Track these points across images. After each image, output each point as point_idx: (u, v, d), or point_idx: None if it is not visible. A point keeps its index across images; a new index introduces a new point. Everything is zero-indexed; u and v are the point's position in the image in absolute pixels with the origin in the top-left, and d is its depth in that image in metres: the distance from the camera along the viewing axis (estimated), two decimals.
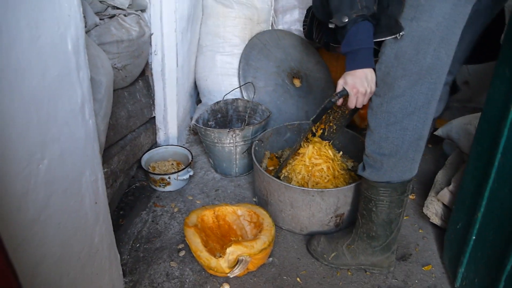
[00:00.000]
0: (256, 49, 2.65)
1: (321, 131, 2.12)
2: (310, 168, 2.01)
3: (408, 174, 1.56)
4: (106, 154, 1.89)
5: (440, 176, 1.99)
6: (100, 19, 1.85)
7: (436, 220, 1.93)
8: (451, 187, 1.79)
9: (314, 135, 2.13)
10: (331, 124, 2.08)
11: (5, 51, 0.82)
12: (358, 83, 1.46)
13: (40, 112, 0.96)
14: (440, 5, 1.28)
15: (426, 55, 1.34)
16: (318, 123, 2.06)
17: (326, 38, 1.71)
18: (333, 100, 1.61)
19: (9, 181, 0.88)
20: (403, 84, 1.37)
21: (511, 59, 1.26)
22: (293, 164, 2.05)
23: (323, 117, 1.99)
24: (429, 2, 1.29)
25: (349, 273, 1.76)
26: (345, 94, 1.55)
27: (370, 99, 1.52)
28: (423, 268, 1.79)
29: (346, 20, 1.40)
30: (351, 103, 1.54)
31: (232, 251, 1.62)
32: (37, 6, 0.91)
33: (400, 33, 1.33)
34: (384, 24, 1.38)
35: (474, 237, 1.50)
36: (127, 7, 1.97)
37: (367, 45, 1.41)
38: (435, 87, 1.38)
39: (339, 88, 1.55)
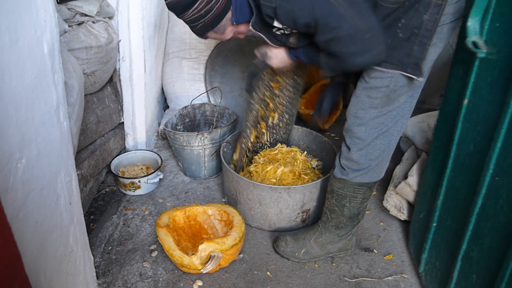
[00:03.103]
0: (221, 55, 2.73)
1: (274, 119, 2.24)
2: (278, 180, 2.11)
3: (383, 173, 1.70)
4: (77, 158, 1.91)
5: (398, 171, 2.12)
6: (69, 26, 1.88)
7: (395, 213, 2.06)
8: (408, 180, 1.93)
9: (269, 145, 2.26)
10: (280, 111, 2.19)
11: None
12: (282, 63, 1.71)
13: (19, 112, 1.00)
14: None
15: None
16: (269, 112, 2.19)
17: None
18: (255, 62, 1.79)
19: None
20: (403, 98, 1.48)
21: (464, 61, 1.40)
22: (262, 174, 2.13)
23: (271, 104, 2.13)
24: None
25: (316, 265, 1.86)
26: (264, 57, 1.70)
27: (355, 112, 1.58)
28: (384, 258, 1.91)
29: None
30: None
31: (204, 248, 1.67)
32: (16, 11, 0.96)
33: (418, 78, 1.39)
34: (397, 56, 1.38)
35: (435, 224, 1.63)
36: (95, 14, 2.00)
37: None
38: (417, 95, 1.52)
39: (263, 50, 1.71)
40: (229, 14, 1.45)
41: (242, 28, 1.53)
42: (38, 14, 1.05)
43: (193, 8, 1.36)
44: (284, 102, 2.16)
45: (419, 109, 3.62)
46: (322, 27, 1.31)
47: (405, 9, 1.32)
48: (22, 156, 1.03)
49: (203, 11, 1.38)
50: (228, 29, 1.51)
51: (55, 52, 1.16)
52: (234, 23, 1.47)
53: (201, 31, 1.48)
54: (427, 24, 1.30)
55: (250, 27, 1.51)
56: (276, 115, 2.21)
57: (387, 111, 1.50)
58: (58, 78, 1.20)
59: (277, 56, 1.66)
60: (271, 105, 2.13)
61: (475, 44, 1.24)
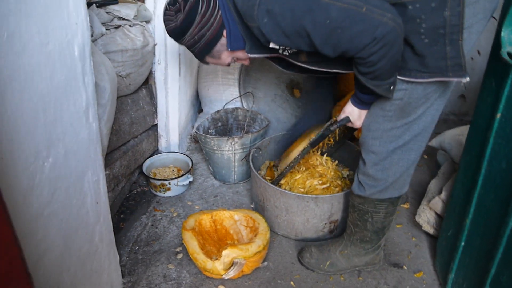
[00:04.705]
0: (257, 60, 2.73)
1: (318, 149, 2.22)
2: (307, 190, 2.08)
3: (405, 188, 1.62)
4: (109, 158, 1.96)
5: (432, 185, 2.04)
6: (107, 29, 1.94)
7: (428, 228, 1.97)
8: (442, 195, 1.84)
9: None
10: (329, 142, 2.17)
11: (17, 55, 0.89)
12: (362, 117, 1.56)
13: (47, 113, 1.03)
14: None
15: (446, 83, 1.36)
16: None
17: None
18: (331, 128, 1.72)
19: (15, 176, 0.94)
20: (421, 110, 1.40)
21: (497, 73, 1.32)
22: (290, 183, 2.11)
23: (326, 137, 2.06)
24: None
25: (342, 278, 1.81)
26: (344, 123, 1.62)
27: (368, 125, 1.53)
28: (414, 275, 1.83)
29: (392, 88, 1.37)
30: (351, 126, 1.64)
31: (228, 254, 1.67)
32: (47, 14, 0.99)
33: (464, 80, 1.27)
34: (430, 64, 1.28)
35: (463, 244, 1.54)
36: (133, 18, 2.05)
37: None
38: (440, 107, 1.43)
39: (341, 116, 1.61)
40: (223, 41, 1.49)
41: (240, 54, 1.54)
42: (70, 18, 1.08)
43: (188, 34, 1.46)
44: (334, 135, 2.15)
45: (461, 122, 3.49)
46: (311, 27, 1.22)
47: (422, 10, 1.23)
48: (49, 155, 1.06)
49: (196, 37, 1.47)
50: (224, 55, 1.54)
51: (86, 54, 1.19)
52: (229, 49, 1.50)
53: (199, 56, 1.56)
54: (451, 20, 1.20)
55: (247, 54, 1.50)
56: (325, 145, 2.21)
57: (402, 124, 1.42)
58: (89, 80, 1.23)
59: (360, 117, 1.56)
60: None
61: (510, 55, 1.17)
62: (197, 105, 3.08)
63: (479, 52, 3.21)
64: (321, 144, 2.18)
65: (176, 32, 1.48)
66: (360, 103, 1.52)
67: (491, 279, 1.32)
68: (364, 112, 1.54)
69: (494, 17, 1.31)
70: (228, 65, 1.62)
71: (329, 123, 1.75)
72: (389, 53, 1.21)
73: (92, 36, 1.81)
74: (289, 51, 1.45)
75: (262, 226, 1.85)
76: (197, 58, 1.59)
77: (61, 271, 1.21)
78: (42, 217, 1.07)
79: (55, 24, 1.02)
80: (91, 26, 1.81)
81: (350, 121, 1.59)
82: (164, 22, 1.49)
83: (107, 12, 1.95)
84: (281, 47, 1.41)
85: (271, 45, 1.38)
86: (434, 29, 1.23)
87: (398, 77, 1.34)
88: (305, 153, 1.94)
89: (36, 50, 0.96)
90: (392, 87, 1.34)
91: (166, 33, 1.54)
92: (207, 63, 1.62)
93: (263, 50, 1.48)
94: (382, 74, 1.29)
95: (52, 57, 1.02)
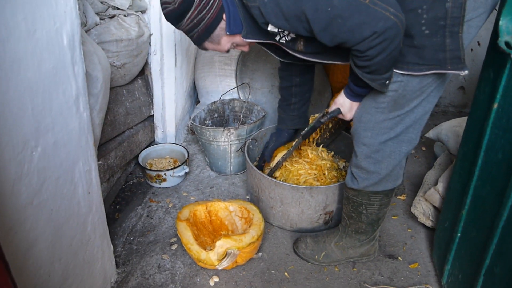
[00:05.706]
0: (254, 51, 2.71)
1: (313, 140, 2.22)
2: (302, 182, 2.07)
3: (399, 180, 1.61)
4: (103, 149, 1.95)
5: (428, 177, 2.03)
6: (101, 19, 1.92)
7: (424, 220, 1.96)
8: (437, 186, 1.84)
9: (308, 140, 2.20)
10: (324, 134, 2.17)
11: (2, 42, 0.88)
12: (353, 109, 1.55)
13: (35, 102, 1.02)
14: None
15: (442, 76, 1.35)
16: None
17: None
18: (322, 120, 1.72)
19: (3, 166, 0.94)
20: (414, 102, 1.39)
21: (495, 63, 1.30)
22: (285, 174, 2.11)
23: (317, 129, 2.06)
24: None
25: (336, 269, 1.81)
26: (335, 115, 1.61)
27: (360, 116, 1.52)
28: (409, 266, 1.83)
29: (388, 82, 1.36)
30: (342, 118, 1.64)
31: (222, 244, 1.66)
32: (34, 2, 0.97)
33: (462, 73, 1.26)
34: (429, 56, 1.27)
35: (459, 235, 1.54)
36: (127, 8, 2.04)
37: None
38: (434, 100, 1.42)
39: (332, 108, 1.60)
40: (222, 24, 1.44)
41: (239, 39, 1.50)
42: (57, 6, 1.07)
43: (187, 17, 1.40)
44: (330, 127, 2.17)
45: (460, 114, 3.47)
46: (312, 13, 1.20)
47: (423, 0, 1.21)
48: (37, 144, 1.06)
49: (195, 20, 1.41)
50: (223, 39, 1.50)
51: (75, 43, 1.18)
52: (228, 33, 1.46)
53: (197, 41, 1.50)
54: (452, 12, 1.19)
55: (243, 39, 1.46)
56: (319, 135, 2.22)
57: (394, 116, 1.41)
58: (79, 69, 1.22)
59: (351, 109, 1.55)
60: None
61: (508, 44, 1.15)
62: (195, 96, 3.07)
63: (479, 43, 3.19)
64: (316, 135, 2.18)
65: (175, 16, 1.42)
66: (353, 95, 1.50)
67: (485, 270, 1.31)
68: (356, 105, 1.53)
69: (495, 9, 1.30)
70: (227, 51, 1.57)
71: (321, 114, 1.75)
72: (387, 48, 1.19)
73: (86, 25, 1.80)
74: (286, 38, 1.42)
75: (257, 217, 1.84)
76: (195, 43, 1.53)
77: (52, 261, 1.21)
78: (31, 206, 1.07)
79: (43, 12, 1.01)
80: (85, 16, 1.80)
81: (341, 112, 1.58)
82: (161, 5, 1.43)
83: (101, 2, 1.93)
84: (279, 32, 1.38)
85: (269, 28, 1.35)
86: (435, 20, 1.22)
87: (395, 70, 1.33)
88: (296, 145, 1.94)
89: (23, 38, 0.95)
90: (387, 82, 1.33)
91: (163, 20, 1.50)
92: (206, 49, 1.57)
93: (260, 36, 1.45)
94: (379, 69, 1.27)
95: (39, 45, 1.01)
